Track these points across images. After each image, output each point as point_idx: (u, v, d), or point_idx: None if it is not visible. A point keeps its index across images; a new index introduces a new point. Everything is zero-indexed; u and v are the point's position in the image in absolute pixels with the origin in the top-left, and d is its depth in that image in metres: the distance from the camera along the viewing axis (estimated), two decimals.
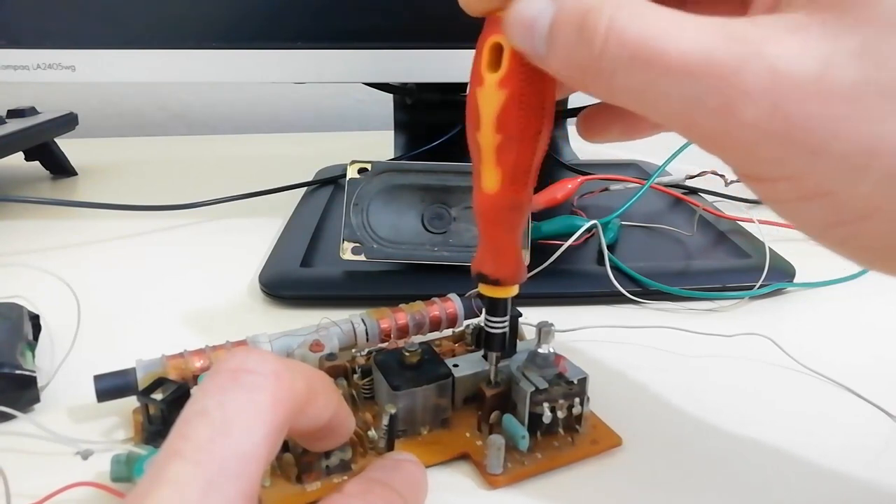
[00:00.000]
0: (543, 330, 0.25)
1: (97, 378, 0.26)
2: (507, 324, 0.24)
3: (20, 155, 0.60)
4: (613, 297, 0.36)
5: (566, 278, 0.37)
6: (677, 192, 0.50)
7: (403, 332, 0.30)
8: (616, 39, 0.16)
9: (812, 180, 0.16)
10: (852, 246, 0.17)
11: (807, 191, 0.16)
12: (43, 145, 0.61)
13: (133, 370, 0.26)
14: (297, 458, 0.22)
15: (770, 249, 0.38)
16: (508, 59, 0.19)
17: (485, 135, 0.20)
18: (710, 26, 0.16)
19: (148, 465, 0.20)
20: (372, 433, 0.24)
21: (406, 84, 0.54)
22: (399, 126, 0.58)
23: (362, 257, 0.35)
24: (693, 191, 0.51)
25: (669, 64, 0.15)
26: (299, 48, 0.42)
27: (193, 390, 0.21)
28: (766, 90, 0.15)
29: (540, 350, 0.24)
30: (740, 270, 0.38)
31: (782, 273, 0.37)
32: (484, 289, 0.23)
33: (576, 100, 0.25)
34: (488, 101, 0.20)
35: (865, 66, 0.15)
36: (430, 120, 0.55)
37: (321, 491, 0.22)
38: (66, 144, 0.63)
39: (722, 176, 0.50)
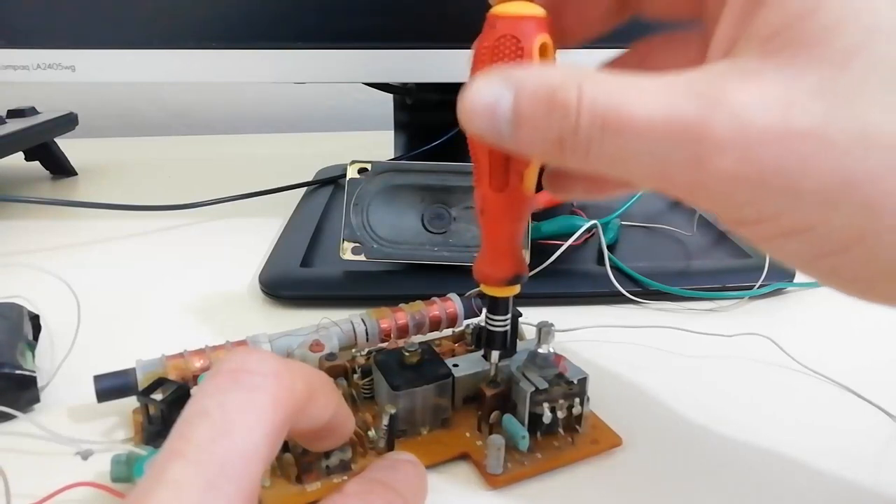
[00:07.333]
0: (543, 330, 0.25)
1: (97, 378, 0.26)
2: (508, 322, 0.24)
3: (20, 155, 0.60)
4: (613, 297, 0.36)
5: (566, 278, 0.37)
6: None
7: (403, 332, 0.30)
8: (587, 112, 0.16)
9: (790, 219, 0.16)
10: (841, 277, 0.17)
11: (786, 229, 0.16)
12: (43, 145, 0.61)
13: (133, 370, 0.26)
14: (297, 458, 0.22)
15: None
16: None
17: None
18: (670, 85, 0.16)
19: (148, 465, 0.20)
20: (372, 433, 0.24)
21: (406, 84, 0.54)
22: (399, 126, 0.58)
23: (362, 257, 0.35)
24: None
25: (639, 127, 0.16)
26: (299, 48, 0.42)
27: (193, 391, 0.21)
28: (734, 139, 0.15)
29: (540, 350, 0.25)
30: (740, 270, 0.38)
31: (782, 273, 0.37)
32: (486, 288, 0.24)
33: None
34: None
35: (825, 105, 0.15)
36: (430, 120, 0.55)
37: (321, 491, 0.22)
38: (66, 144, 0.63)
39: None
